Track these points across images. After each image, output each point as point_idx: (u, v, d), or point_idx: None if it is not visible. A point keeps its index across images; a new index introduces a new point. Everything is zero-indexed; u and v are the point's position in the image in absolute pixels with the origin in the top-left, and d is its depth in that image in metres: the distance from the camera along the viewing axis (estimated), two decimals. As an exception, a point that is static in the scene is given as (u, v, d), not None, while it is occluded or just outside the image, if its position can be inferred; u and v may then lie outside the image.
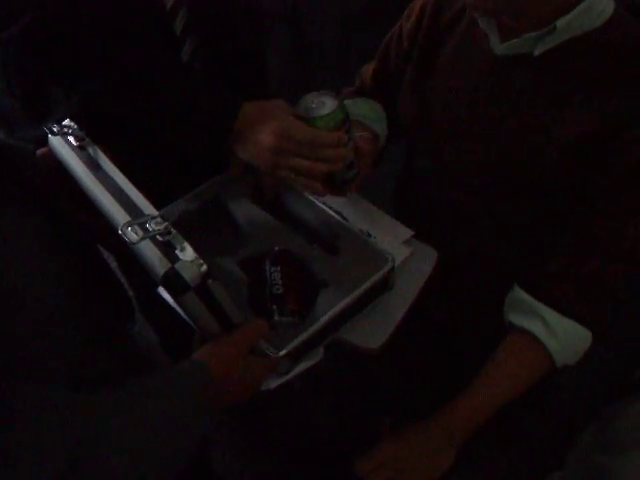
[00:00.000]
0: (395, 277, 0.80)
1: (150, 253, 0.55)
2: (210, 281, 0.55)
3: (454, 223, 0.93)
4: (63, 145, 0.71)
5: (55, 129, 0.72)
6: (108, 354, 0.68)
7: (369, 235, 0.83)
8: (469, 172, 0.88)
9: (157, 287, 0.70)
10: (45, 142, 0.80)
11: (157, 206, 0.61)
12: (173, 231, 0.56)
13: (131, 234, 0.55)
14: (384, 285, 0.79)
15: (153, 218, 0.56)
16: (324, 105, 0.77)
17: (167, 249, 0.55)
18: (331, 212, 0.86)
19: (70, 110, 0.89)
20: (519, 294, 0.83)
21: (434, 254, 0.87)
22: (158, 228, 0.55)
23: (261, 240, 0.84)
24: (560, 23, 0.74)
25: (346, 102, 0.90)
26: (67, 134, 0.71)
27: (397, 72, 0.99)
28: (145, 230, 0.55)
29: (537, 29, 0.76)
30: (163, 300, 0.73)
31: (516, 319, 0.81)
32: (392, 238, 0.85)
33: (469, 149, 0.87)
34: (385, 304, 0.80)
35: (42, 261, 0.60)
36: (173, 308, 0.68)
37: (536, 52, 0.78)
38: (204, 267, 0.54)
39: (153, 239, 0.55)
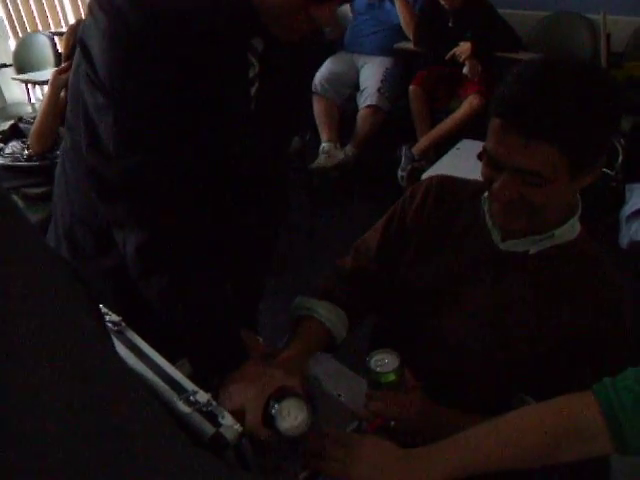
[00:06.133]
0: (362, 431, 0.94)
1: (198, 420, 0.66)
2: (244, 440, 0.68)
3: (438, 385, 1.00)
4: None
5: None
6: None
7: (339, 395, 0.99)
8: (463, 345, 1.00)
9: None
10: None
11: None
12: (214, 403, 0.68)
13: (183, 406, 0.67)
14: None
15: (196, 392, 0.69)
16: (389, 363, 0.93)
17: (210, 417, 0.67)
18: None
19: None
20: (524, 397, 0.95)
21: None
22: (202, 401, 0.68)
23: None
24: (557, 232, 0.95)
25: (313, 302, 1.09)
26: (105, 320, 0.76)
27: (396, 247, 1.12)
28: (191, 403, 0.67)
29: (538, 234, 0.96)
30: None
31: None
32: (360, 397, 0.97)
33: (465, 325, 1.00)
34: None
35: None
36: None
37: (532, 251, 0.97)
38: (240, 429, 0.67)
39: (199, 410, 0.67)
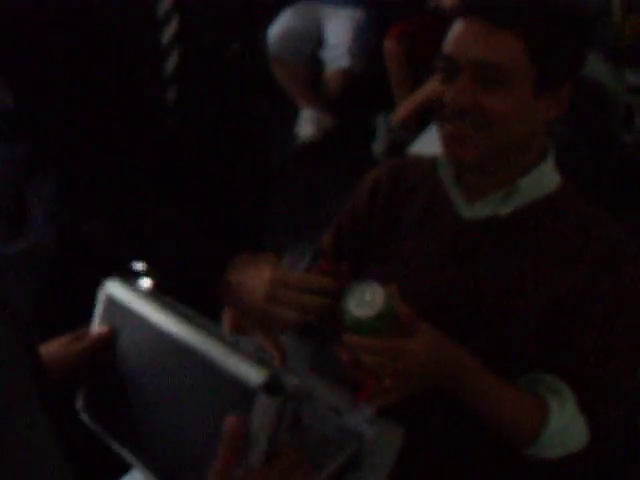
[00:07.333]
0: (362, 456, 0.86)
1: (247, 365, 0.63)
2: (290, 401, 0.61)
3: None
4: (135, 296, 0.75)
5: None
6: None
7: (339, 413, 0.88)
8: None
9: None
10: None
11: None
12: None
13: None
14: (351, 464, 0.85)
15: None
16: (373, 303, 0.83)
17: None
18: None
19: (44, 235, 1.06)
20: (545, 376, 0.90)
21: (400, 431, 0.91)
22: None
23: None
24: (524, 181, 0.91)
25: None
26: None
27: (352, 239, 1.11)
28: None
29: (501, 188, 0.92)
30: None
31: (539, 389, 0.89)
32: (359, 417, 0.90)
33: (441, 317, 0.92)
34: None
35: None
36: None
37: (502, 212, 0.93)
38: (297, 385, 0.62)
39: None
